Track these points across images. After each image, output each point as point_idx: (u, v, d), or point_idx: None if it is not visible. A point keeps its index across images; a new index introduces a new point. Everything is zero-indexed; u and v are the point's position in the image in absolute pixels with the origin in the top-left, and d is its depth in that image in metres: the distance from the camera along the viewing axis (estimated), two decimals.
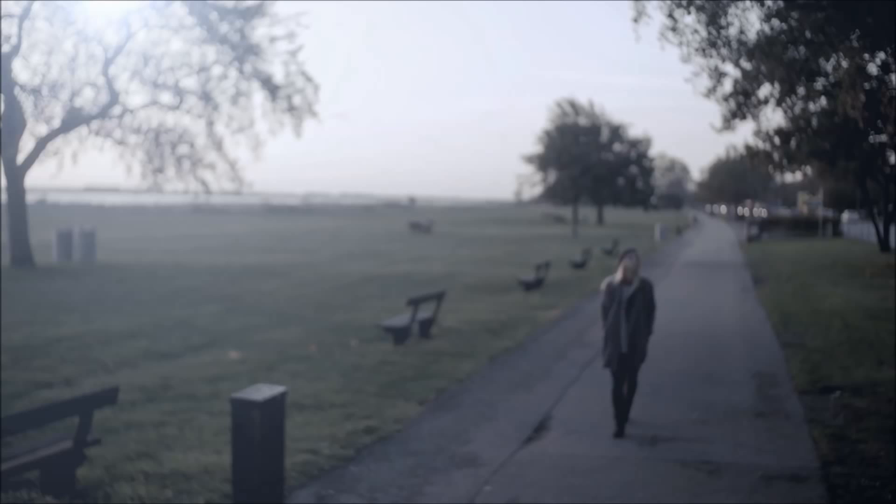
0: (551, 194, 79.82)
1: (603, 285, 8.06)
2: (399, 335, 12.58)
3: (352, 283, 22.32)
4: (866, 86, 19.03)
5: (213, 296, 18.66)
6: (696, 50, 17.55)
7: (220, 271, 24.63)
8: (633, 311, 7.77)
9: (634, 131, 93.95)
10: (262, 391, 5.75)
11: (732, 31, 18.02)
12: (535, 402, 9.25)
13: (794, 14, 18.07)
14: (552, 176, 78.78)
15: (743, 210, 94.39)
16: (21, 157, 23.71)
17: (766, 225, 61.02)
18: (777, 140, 26.74)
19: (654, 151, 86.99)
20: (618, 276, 7.85)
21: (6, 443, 6.39)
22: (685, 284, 23.32)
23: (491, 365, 11.37)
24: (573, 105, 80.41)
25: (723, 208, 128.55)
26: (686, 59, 18.12)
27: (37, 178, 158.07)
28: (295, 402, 8.61)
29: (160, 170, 26.66)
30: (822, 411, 8.78)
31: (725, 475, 6.71)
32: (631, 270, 7.78)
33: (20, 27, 22.23)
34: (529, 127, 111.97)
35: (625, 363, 7.86)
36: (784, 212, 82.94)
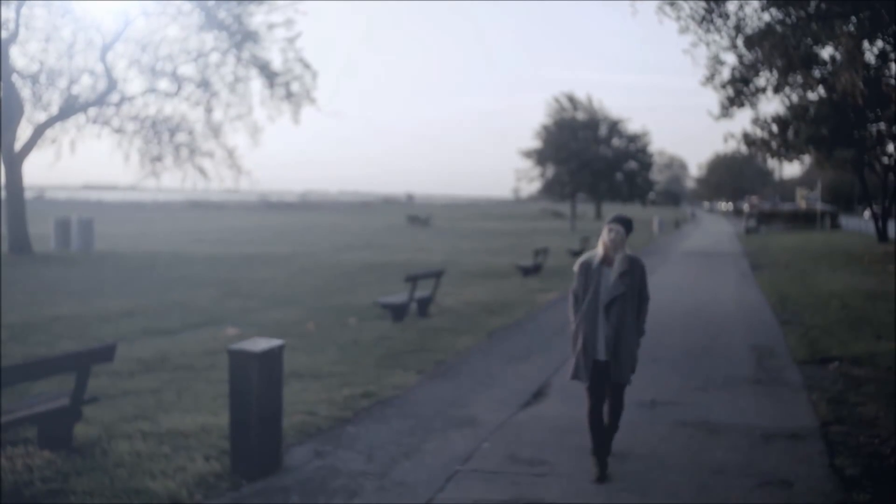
0: (549, 189, 79.67)
1: (576, 265, 5.81)
2: (397, 312, 12.57)
3: (350, 270, 22.29)
4: (864, 74, 19.02)
5: (211, 282, 18.63)
6: (695, 21, 17.51)
7: (218, 260, 24.59)
8: (617, 303, 5.58)
9: (633, 127, 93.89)
10: (260, 344, 5.73)
11: (731, 7, 17.99)
12: (534, 371, 9.24)
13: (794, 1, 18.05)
14: (550, 171, 78.65)
15: (747, 205, 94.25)
16: (19, 145, 23.66)
17: (765, 218, 61.00)
18: (775, 128, 26.74)
19: (652, 148, 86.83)
20: (598, 251, 5.75)
21: (4, 402, 6.38)
22: (683, 271, 23.33)
23: (489, 340, 11.37)
24: (571, 100, 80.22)
25: (723, 205, 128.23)
26: (684, 30, 18.10)
27: (34, 176, 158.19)
28: (293, 371, 8.62)
29: (158, 158, 26.61)
30: (820, 379, 8.79)
31: (725, 434, 6.70)
32: (612, 244, 5.62)
33: (18, 13, 22.16)
34: (528, 125, 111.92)
35: (602, 376, 5.63)
36: (784, 206, 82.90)
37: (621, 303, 5.59)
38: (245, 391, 5.58)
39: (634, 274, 5.66)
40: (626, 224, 5.72)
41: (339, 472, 5.75)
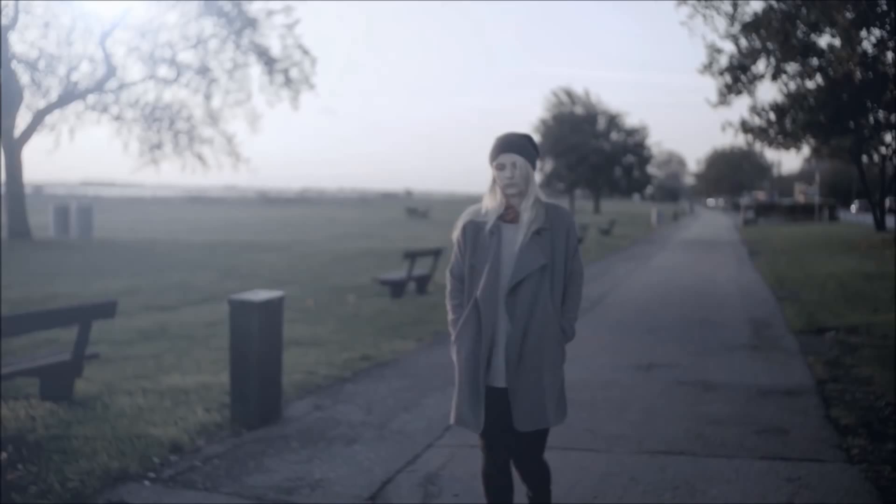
0: (547, 183, 79.74)
1: (456, 229, 3.33)
2: (396, 289, 12.62)
3: (349, 256, 22.32)
4: (861, 58, 19.06)
5: (210, 265, 18.68)
6: None
7: (217, 247, 24.62)
8: (527, 286, 3.18)
9: (631, 121, 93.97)
10: (261, 294, 5.77)
11: None
12: None
13: None
14: (549, 165, 78.78)
15: (747, 199, 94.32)
16: (18, 132, 23.67)
17: (763, 210, 61.03)
18: (772, 116, 26.74)
19: (650, 142, 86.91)
20: (487, 202, 3.30)
21: (6, 355, 6.42)
22: (682, 257, 23.35)
23: None
24: (569, 94, 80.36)
25: (720, 200, 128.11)
26: (682, 1, 18.15)
27: (32, 173, 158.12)
28: (293, 340, 8.67)
29: (157, 146, 26.61)
30: (817, 346, 8.84)
31: (722, 391, 6.75)
32: (514, 187, 3.22)
33: None
34: (527, 123, 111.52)
35: (502, 417, 3.28)
36: (784, 200, 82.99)
37: (536, 284, 3.19)
38: (246, 340, 5.62)
39: (556, 233, 3.25)
40: (527, 151, 3.26)
41: (338, 423, 5.80)
